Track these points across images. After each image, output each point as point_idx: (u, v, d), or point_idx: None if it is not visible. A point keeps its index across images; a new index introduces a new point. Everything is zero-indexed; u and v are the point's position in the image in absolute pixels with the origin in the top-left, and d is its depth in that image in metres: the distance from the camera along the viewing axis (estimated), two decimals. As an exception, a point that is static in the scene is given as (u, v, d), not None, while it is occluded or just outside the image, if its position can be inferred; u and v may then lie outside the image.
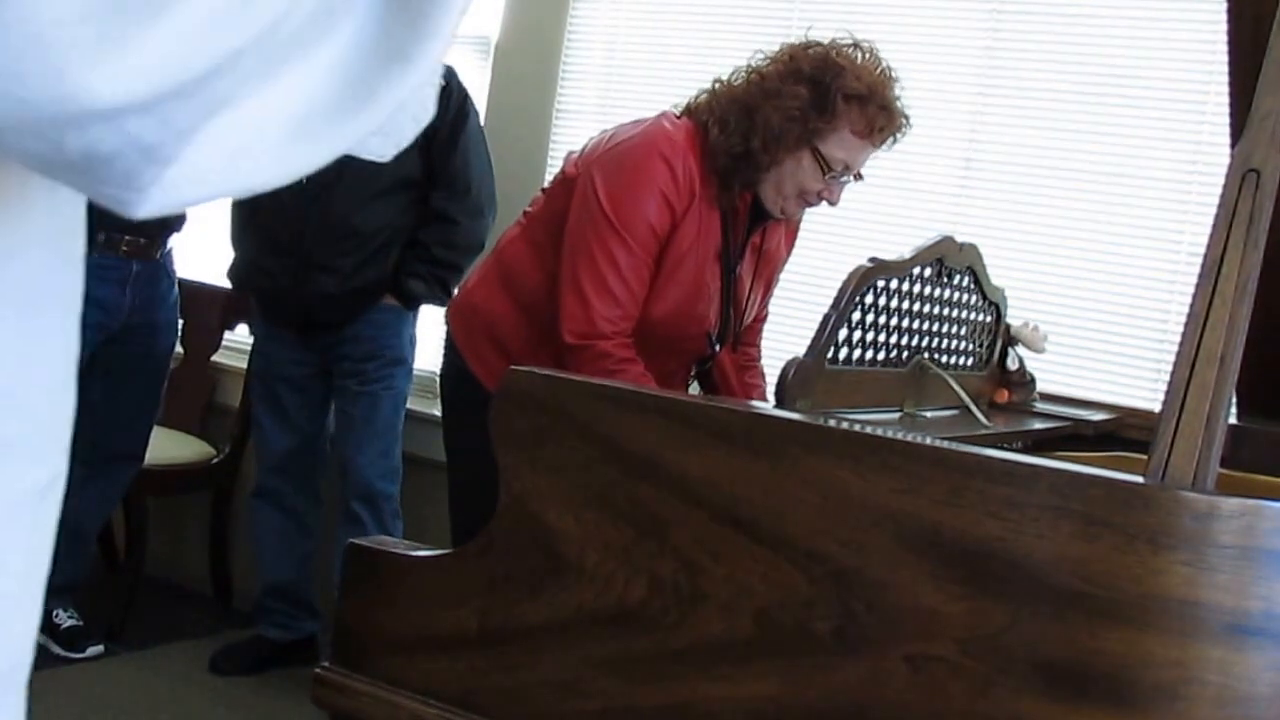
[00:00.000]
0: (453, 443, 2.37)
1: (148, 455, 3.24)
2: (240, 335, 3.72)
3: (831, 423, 1.40)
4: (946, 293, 2.04)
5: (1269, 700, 1.15)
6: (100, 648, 3.22)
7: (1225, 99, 1.90)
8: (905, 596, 1.25)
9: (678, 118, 2.20)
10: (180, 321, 3.30)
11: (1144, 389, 2.76)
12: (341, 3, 0.45)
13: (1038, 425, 2.22)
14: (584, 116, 3.47)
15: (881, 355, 1.84)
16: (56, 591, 3.02)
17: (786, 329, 2.86)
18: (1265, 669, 1.15)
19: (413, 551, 1.60)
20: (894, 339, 1.87)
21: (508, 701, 1.47)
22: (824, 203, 2.21)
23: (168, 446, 3.51)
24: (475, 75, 3.53)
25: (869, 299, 1.76)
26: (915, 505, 1.25)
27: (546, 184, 2.39)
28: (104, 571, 3.63)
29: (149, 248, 3.05)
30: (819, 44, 2.15)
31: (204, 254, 3.59)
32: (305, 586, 3.30)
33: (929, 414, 1.96)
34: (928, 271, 1.94)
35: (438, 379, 2.47)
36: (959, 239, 2.05)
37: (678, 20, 3.40)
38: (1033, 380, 2.42)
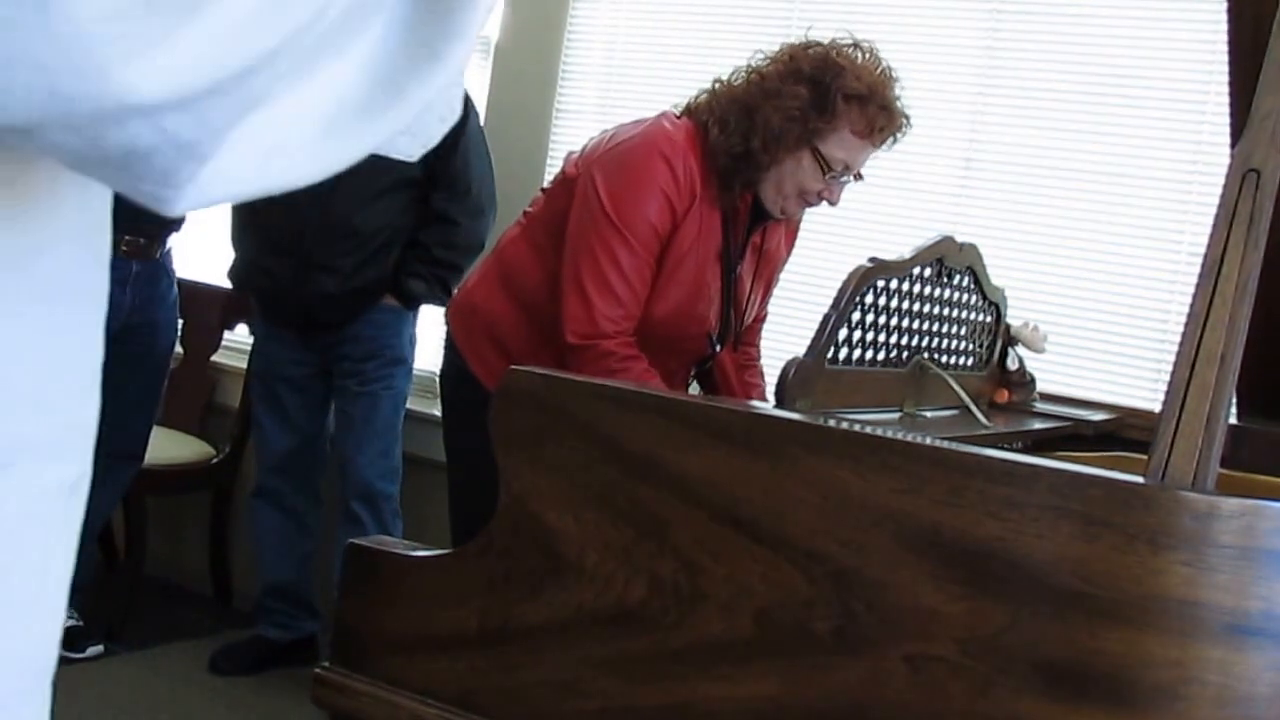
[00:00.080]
0: (453, 443, 2.37)
1: (148, 455, 3.24)
2: (240, 335, 3.72)
3: (831, 423, 1.40)
4: (946, 293, 2.04)
5: (1269, 700, 1.15)
6: (100, 648, 3.22)
7: (1225, 99, 1.89)
8: (905, 596, 1.25)
9: (678, 118, 2.20)
10: (180, 321, 3.30)
11: (1144, 389, 2.76)
12: (373, 1, 0.45)
13: (1038, 425, 2.22)
14: (584, 116, 3.47)
15: (881, 355, 1.84)
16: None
17: (786, 329, 2.86)
18: (1265, 669, 1.15)
19: (413, 551, 1.60)
20: (894, 339, 1.87)
21: (508, 701, 1.47)
22: (824, 203, 2.21)
23: (168, 446, 3.51)
24: (475, 75, 3.53)
25: (869, 299, 1.76)
26: (915, 505, 1.25)
27: (546, 184, 2.39)
28: (104, 571, 3.63)
29: (149, 247, 3.05)
30: (819, 44, 2.15)
31: (204, 254, 3.59)
32: (305, 586, 3.30)
33: (929, 414, 1.96)
34: (928, 271, 1.94)
35: (438, 379, 2.47)
36: (959, 239, 2.05)
37: (678, 20, 3.40)
38: (1033, 380, 2.42)
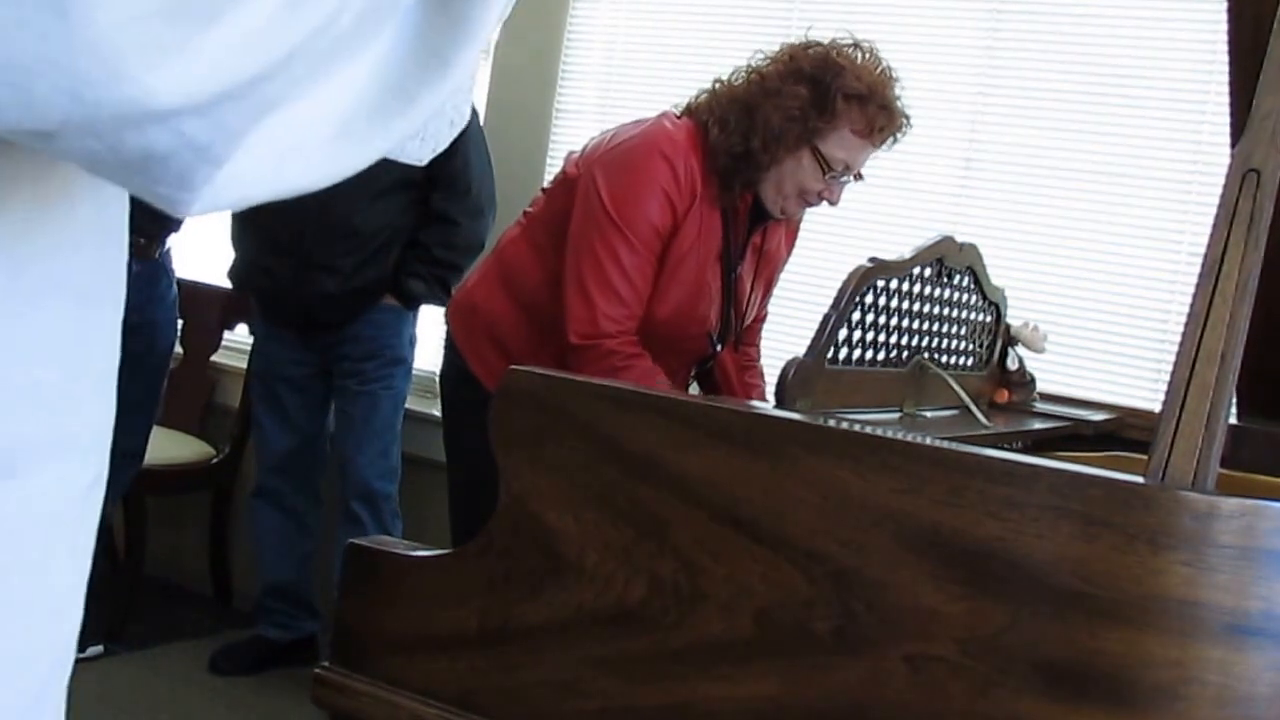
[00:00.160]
0: (453, 443, 2.37)
1: (147, 455, 3.24)
2: (240, 335, 3.72)
3: (831, 423, 1.40)
4: (946, 293, 2.04)
5: (1269, 700, 1.15)
6: (100, 648, 3.22)
7: (1225, 99, 1.89)
8: (905, 596, 1.25)
9: (678, 118, 2.20)
10: (180, 321, 3.30)
11: (1144, 389, 2.76)
12: (385, 6, 0.46)
13: (1038, 425, 2.22)
14: (584, 116, 3.47)
15: (881, 355, 1.84)
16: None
17: (786, 329, 2.86)
18: (1265, 669, 1.15)
19: (412, 551, 1.60)
20: (894, 339, 1.87)
21: (508, 701, 1.47)
22: (824, 203, 2.21)
23: (167, 446, 3.51)
24: (475, 75, 3.52)
25: (869, 299, 1.76)
26: (915, 505, 1.25)
27: (547, 184, 2.39)
28: (104, 571, 3.62)
29: (148, 247, 3.05)
30: (819, 44, 2.15)
31: (204, 254, 3.59)
32: (305, 586, 3.30)
33: (929, 414, 1.96)
34: (928, 271, 1.94)
35: (438, 379, 2.47)
36: (959, 239, 2.05)
37: (678, 20, 3.40)
38: (1033, 380, 2.42)
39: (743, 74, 2.19)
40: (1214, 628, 1.15)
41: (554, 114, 3.52)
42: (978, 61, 3.02)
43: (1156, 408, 1.37)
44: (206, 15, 0.39)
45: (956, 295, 2.09)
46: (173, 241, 3.15)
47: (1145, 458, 1.22)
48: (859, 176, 2.21)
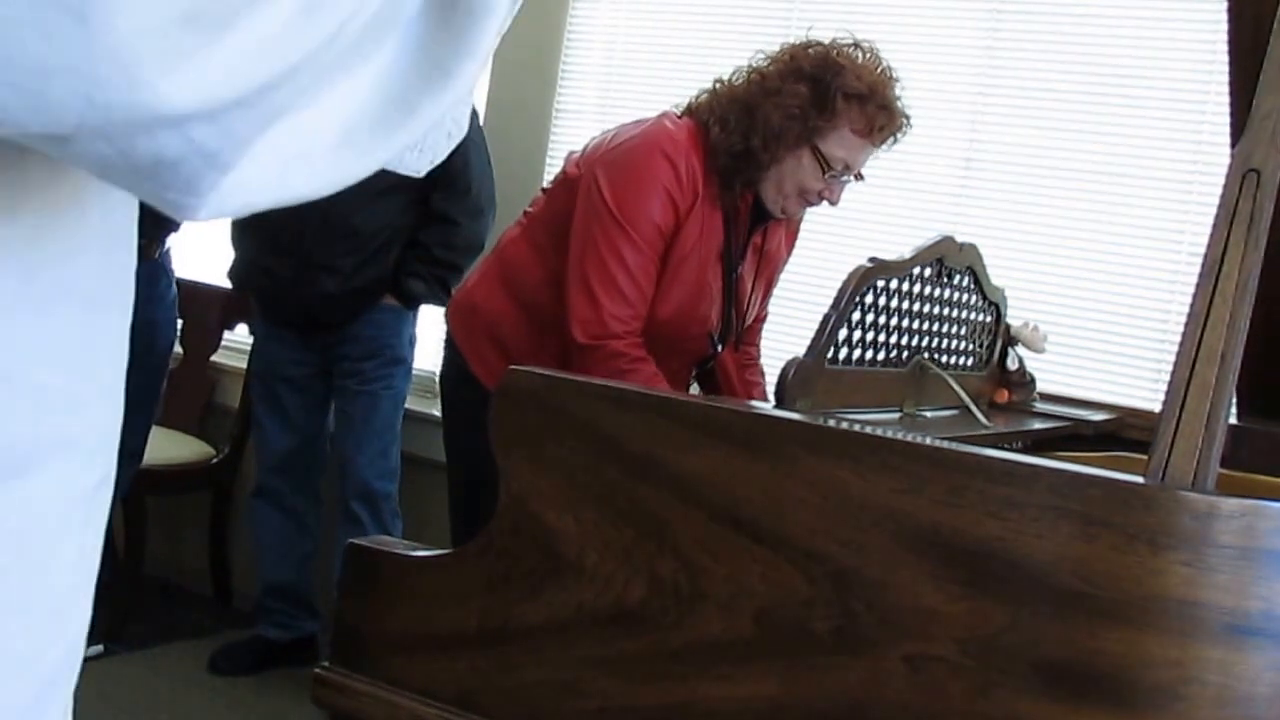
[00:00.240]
0: (453, 442, 2.37)
1: (147, 455, 3.24)
2: (240, 335, 3.72)
3: (831, 423, 1.40)
4: (946, 293, 2.04)
5: (1269, 700, 1.15)
6: (100, 648, 3.22)
7: (1225, 99, 1.89)
8: (905, 596, 1.25)
9: (679, 117, 2.20)
10: (180, 321, 3.30)
11: (1144, 389, 2.76)
12: (389, 17, 0.47)
13: (1038, 425, 2.22)
14: (584, 116, 3.47)
15: (881, 355, 1.84)
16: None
17: (786, 329, 2.86)
18: (1265, 669, 1.15)
19: (412, 551, 1.60)
20: (894, 339, 1.87)
21: (508, 701, 1.47)
22: (824, 202, 2.21)
23: (167, 446, 3.51)
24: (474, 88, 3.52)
25: (869, 299, 1.76)
26: (915, 505, 1.25)
27: (547, 184, 2.39)
28: (103, 571, 3.62)
29: (147, 247, 3.04)
30: (819, 44, 2.15)
31: (204, 254, 3.58)
32: (305, 586, 3.30)
33: (929, 414, 1.96)
34: (928, 271, 1.94)
35: (438, 379, 2.47)
36: (959, 239, 2.05)
37: (678, 20, 3.40)
38: (1033, 380, 2.42)
39: (743, 73, 2.19)
40: (1214, 628, 1.15)
41: (554, 114, 3.52)
42: (978, 61, 3.02)
43: (1156, 408, 1.37)
44: (222, 24, 0.40)
45: (956, 295, 2.09)
46: (172, 241, 3.15)
47: (1145, 458, 1.22)
48: (859, 176, 2.21)
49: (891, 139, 2.18)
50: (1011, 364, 2.38)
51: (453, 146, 0.64)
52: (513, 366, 1.53)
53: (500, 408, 1.51)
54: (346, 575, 1.63)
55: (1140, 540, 1.16)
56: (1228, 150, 1.70)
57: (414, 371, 3.26)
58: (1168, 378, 1.23)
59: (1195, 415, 1.18)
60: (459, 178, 3.04)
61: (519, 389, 1.50)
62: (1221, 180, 1.26)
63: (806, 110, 2.10)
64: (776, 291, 2.48)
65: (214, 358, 3.78)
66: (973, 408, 2.00)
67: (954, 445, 1.29)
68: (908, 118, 2.17)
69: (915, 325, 1.93)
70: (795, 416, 1.44)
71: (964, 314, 2.14)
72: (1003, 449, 1.41)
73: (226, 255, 3.25)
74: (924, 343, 1.97)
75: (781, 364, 1.61)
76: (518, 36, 3.53)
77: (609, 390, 1.48)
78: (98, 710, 2.92)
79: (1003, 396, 2.36)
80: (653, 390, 1.59)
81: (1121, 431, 2.32)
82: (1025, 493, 1.21)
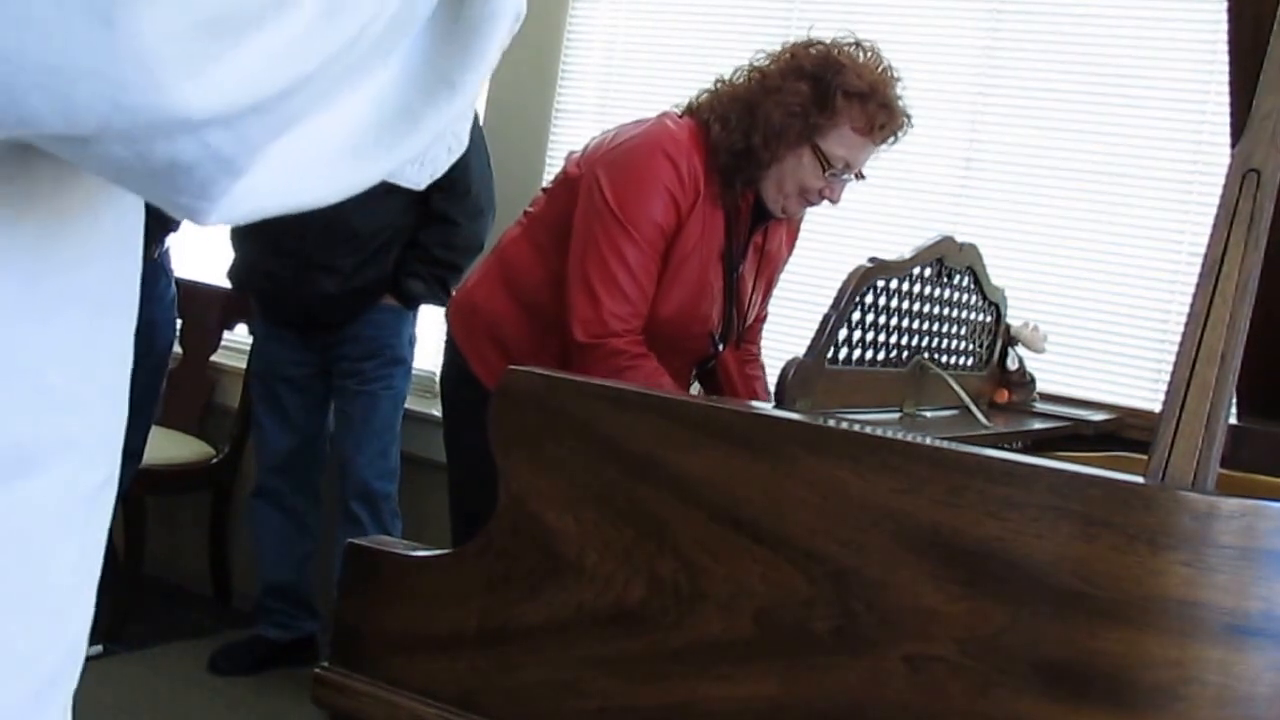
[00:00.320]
0: (453, 442, 2.37)
1: (146, 455, 3.24)
2: (240, 335, 3.72)
3: (831, 423, 1.40)
4: (946, 293, 2.04)
5: (1269, 700, 1.15)
6: (100, 648, 3.22)
7: (1225, 99, 1.89)
8: (905, 596, 1.25)
9: (680, 117, 2.20)
10: (179, 321, 3.30)
11: (1144, 389, 2.76)
12: (406, 20, 0.47)
13: (1038, 425, 2.22)
14: (584, 116, 3.47)
15: (881, 355, 1.84)
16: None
17: (786, 329, 2.86)
18: (1265, 669, 1.15)
19: (412, 551, 1.60)
20: (894, 339, 1.86)
21: (507, 701, 1.47)
22: (825, 201, 2.21)
23: (167, 446, 3.51)
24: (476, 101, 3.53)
25: (869, 299, 1.76)
26: (915, 505, 1.25)
27: (547, 184, 2.39)
28: (103, 571, 3.62)
29: (146, 247, 3.04)
30: (820, 43, 2.15)
31: (204, 254, 3.58)
32: (305, 586, 3.30)
33: (929, 414, 1.96)
34: (928, 271, 1.94)
35: (438, 379, 2.47)
36: (959, 239, 2.05)
37: (678, 20, 3.40)
38: (1033, 380, 2.42)
39: (744, 72, 2.20)
40: (1214, 628, 1.15)
41: (554, 114, 3.52)
42: (978, 61, 3.02)
43: (1156, 408, 1.37)
44: (243, 31, 0.41)
45: (956, 295, 2.09)
46: (172, 241, 3.15)
47: (1145, 458, 1.22)
48: (860, 176, 2.21)
49: (892, 138, 2.18)
50: (1011, 364, 2.38)
51: (453, 160, 0.65)
52: (512, 366, 1.53)
53: (500, 408, 1.51)
54: (346, 575, 1.63)
55: (1140, 540, 1.16)
56: (1228, 150, 1.70)
57: (414, 371, 3.26)
58: (1168, 378, 1.23)
59: (1195, 415, 1.18)
60: (459, 179, 3.04)
61: (519, 389, 1.50)
62: (1221, 180, 1.26)
63: (807, 108, 2.10)
64: (776, 291, 2.49)
65: (214, 358, 3.78)
66: (973, 408, 2.00)
67: (954, 445, 1.29)
68: (908, 116, 2.17)
69: (915, 325, 1.93)
70: (795, 416, 1.44)
71: (964, 314, 2.14)
72: (1003, 449, 1.41)
73: (226, 255, 3.25)
74: (924, 343, 1.97)
75: (781, 364, 1.61)
76: (518, 36, 3.48)
77: (609, 390, 1.48)
78: (98, 710, 2.92)
79: (1003, 396, 2.36)
80: (652, 390, 1.58)
81: (1121, 431, 2.32)
82: (1025, 493, 1.21)
